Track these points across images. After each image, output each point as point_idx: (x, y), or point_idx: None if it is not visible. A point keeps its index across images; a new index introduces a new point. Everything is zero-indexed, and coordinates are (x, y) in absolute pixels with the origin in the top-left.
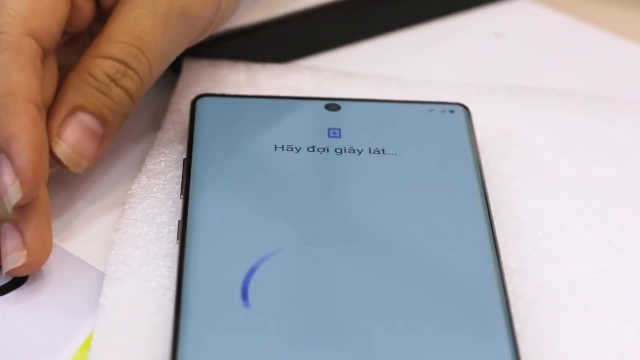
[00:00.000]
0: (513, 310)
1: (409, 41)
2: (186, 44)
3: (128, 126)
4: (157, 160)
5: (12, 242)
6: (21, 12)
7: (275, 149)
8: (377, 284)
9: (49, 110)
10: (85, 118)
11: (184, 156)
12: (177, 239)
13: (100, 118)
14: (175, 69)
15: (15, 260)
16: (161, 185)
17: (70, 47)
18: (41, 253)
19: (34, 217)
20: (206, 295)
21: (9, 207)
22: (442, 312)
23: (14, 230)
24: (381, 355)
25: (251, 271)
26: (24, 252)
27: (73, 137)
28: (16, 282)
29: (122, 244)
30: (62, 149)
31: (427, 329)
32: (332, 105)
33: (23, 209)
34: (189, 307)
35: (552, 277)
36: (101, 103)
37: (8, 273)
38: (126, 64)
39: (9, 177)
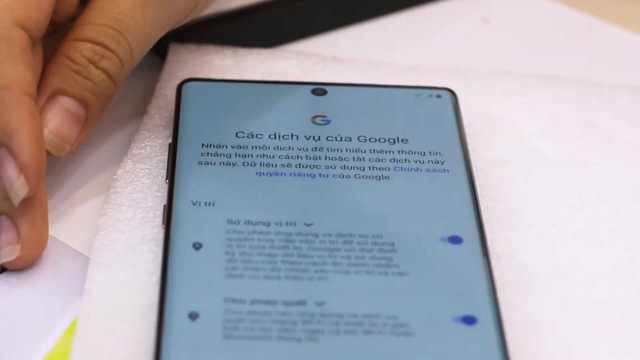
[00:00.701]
0: (500, 295)
1: (397, 26)
2: (169, 25)
3: (114, 111)
4: (143, 144)
5: (7, 235)
6: (8, 3)
7: (261, 134)
8: (363, 270)
9: None
10: (66, 101)
11: (170, 141)
12: (163, 223)
13: (82, 101)
14: (161, 54)
15: (8, 253)
16: (147, 170)
17: (54, 36)
18: (35, 247)
19: (30, 210)
20: (191, 279)
21: (16, 202)
22: (429, 297)
23: (10, 224)
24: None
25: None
26: (18, 246)
27: (54, 122)
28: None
29: (107, 229)
30: (44, 134)
31: (413, 313)
32: (319, 90)
33: (21, 202)
34: (173, 292)
35: (539, 261)
36: (81, 86)
37: (2, 265)
38: (104, 46)
39: (13, 172)
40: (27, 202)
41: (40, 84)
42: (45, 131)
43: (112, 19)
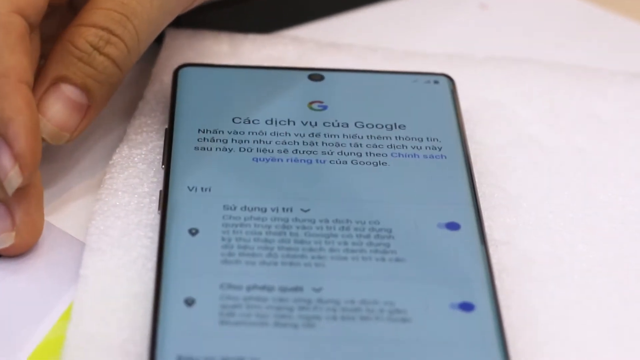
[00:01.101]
0: (498, 281)
1: (394, 12)
2: (178, 10)
3: None
4: (139, 130)
5: (1, 223)
6: None
7: (258, 119)
8: (360, 256)
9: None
10: (67, 89)
11: (166, 126)
12: (159, 209)
13: (84, 88)
14: (157, 39)
15: (3, 241)
16: (143, 155)
17: (52, 19)
18: (30, 235)
19: (25, 199)
20: (187, 265)
21: (10, 192)
22: (426, 283)
23: (5, 212)
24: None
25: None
26: (13, 233)
27: (54, 110)
28: None
29: (103, 214)
30: (42, 122)
31: (410, 299)
32: (316, 75)
33: (15, 191)
34: (169, 278)
35: (537, 248)
36: (84, 73)
37: None
38: (110, 31)
39: (8, 162)
40: (22, 191)
41: (43, 70)
42: (44, 119)
43: (118, 2)
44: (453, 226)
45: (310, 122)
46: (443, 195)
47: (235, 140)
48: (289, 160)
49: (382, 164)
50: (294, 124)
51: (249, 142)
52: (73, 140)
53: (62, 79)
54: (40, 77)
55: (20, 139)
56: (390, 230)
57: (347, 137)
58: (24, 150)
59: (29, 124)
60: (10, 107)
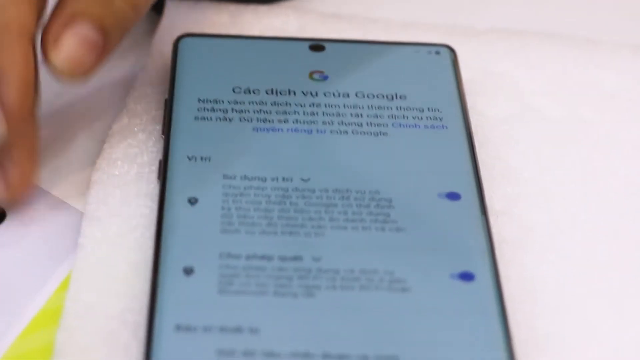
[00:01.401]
0: (498, 252)
1: None
2: None
3: (109, 65)
4: (139, 100)
5: None
6: None
7: (258, 89)
8: (360, 225)
9: (48, 19)
10: (84, 27)
11: (166, 96)
12: (158, 178)
13: (100, 28)
14: (157, 9)
15: None
16: (142, 125)
17: None
18: (21, 188)
19: (16, 151)
20: (186, 234)
21: None
22: (426, 253)
23: None
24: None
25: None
26: (2, 186)
27: (70, 46)
28: None
29: (102, 184)
30: (58, 59)
31: (410, 269)
32: (317, 45)
33: (6, 143)
34: (168, 247)
35: (537, 219)
36: (101, 12)
37: None
38: None
39: None
40: (14, 143)
41: (59, 7)
42: (61, 55)
43: None
44: (453, 196)
45: (311, 92)
46: (444, 166)
47: (236, 110)
48: (289, 130)
49: (383, 134)
50: (295, 94)
51: (249, 112)
52: (86, 81)
53: (79, 17)
54: (57, 11)
55: (10, 92)
56: (390, 200)
57: (348, 107)
58: (13, 103)
59: (22, 78)
60: (7, 59)
